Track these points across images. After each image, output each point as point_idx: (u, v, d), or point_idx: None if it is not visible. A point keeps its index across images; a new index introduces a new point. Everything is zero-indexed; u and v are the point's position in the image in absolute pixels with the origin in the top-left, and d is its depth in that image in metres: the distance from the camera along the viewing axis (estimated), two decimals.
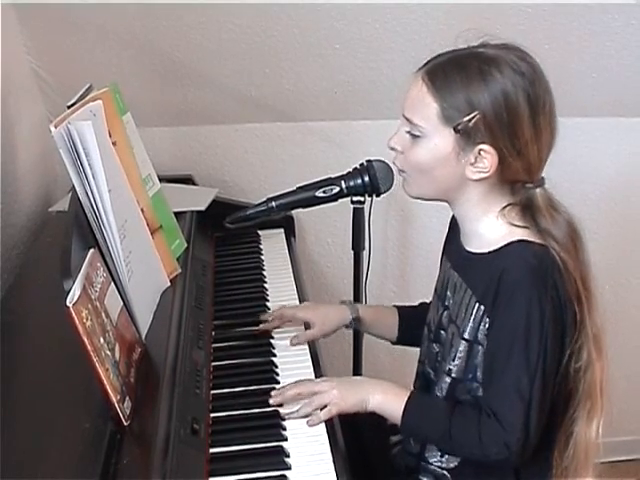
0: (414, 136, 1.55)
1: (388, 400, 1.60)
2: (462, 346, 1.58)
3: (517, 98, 1.47)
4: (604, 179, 2.76)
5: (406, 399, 1.58)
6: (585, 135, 2.70)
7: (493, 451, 1.50)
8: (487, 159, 1.50)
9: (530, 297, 1.47)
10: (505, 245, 1.53)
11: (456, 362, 1.60)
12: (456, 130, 1.50)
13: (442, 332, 1.67)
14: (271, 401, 1.61)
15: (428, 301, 1.81)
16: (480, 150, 1.50)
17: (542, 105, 1.50)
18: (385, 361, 2.74)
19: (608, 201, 2.78)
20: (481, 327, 1.55)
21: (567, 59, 2.46)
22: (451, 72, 1.51)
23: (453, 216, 1.70)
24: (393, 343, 1.96)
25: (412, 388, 1.78)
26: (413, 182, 1.61)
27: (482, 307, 1.54)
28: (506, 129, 1.48)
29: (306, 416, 1.58)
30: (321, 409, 1.58)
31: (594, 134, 2.72)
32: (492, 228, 1.57)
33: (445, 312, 1.67)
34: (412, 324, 1.84)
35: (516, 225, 1.54)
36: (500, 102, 1.47)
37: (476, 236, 1.61)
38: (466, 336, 1.57)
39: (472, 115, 1.48)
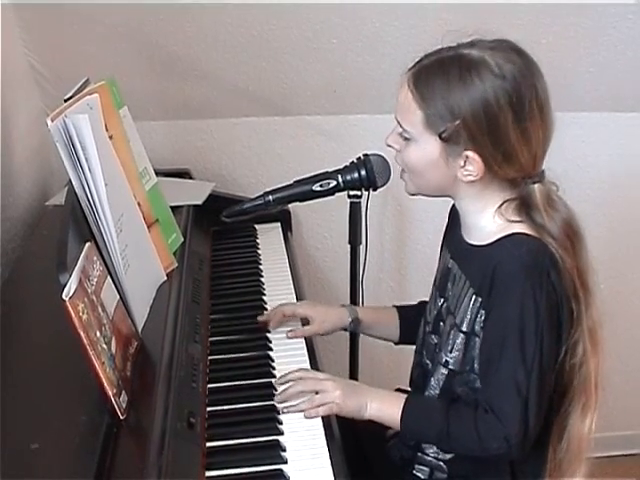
0: (405, 138, 1.57)
1: (385, 407, 1.60)
2: (459, 338, 1.59)
3: (498, 104, 1.47)
4: (601, 174, 2.76)
5: (402, 405, 1.58)
6: (582, 130, 2.70)
7: (493, 446, 1.51)
8: (473, 166, 1.51)
9: (524, 290, 1.47)
10: (501, 238, 1.53)
11: (453, 354, 1.61)
12: (441, 137, 1.51)
13: (441, 323, 1.67)
14: (276, 399, 1.61)
15: (427, 299, 1.80)
16: (466, 156, 1.51)
17: (528, 106, 1.48)
18: (382, 354, 2.74)
19: (605, 196, 2.78)
20: (478, 319, 1.55)
21: (564, 54, 2.46)
22: (433, 79, 1.51)
23: (453, 206, 1.70)
24: (395, 343, 1.96)
25: (408, 380, 1.79)
26: (411, 181, 1.63)
27: (479, 299, 1.54)
28: (488, 136, 1.48)
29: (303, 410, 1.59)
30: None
31: (591, 129, 2.71)
32: (491, 222, 1.57)
33: (445, 303, 1.67)
34: (413, 323, 1.84)
35: (514, 221, 1.54)
36: (479, 109, 1.47)
37: (476, 229, 1.61)
38: (464, 328, 1.58)
39: (455, 123, 1.48)
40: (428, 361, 1.71)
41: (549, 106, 1.52)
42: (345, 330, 1.94)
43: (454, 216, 1.72)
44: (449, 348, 1.61)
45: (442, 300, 1.69)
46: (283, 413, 1.58)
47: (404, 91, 1.55)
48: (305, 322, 1.89)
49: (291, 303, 1.95)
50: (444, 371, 1.63)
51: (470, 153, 1.50)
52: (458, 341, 1.59)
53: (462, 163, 1.52)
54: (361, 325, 1.92)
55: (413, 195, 1.67)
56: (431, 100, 1.51)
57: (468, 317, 1.57)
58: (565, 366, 1.55)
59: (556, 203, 1.55)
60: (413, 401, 1.61)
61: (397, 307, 1.95)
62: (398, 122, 1.58)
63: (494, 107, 1.47)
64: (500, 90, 1.47)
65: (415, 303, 1.93)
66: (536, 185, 1.54)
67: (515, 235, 1.52)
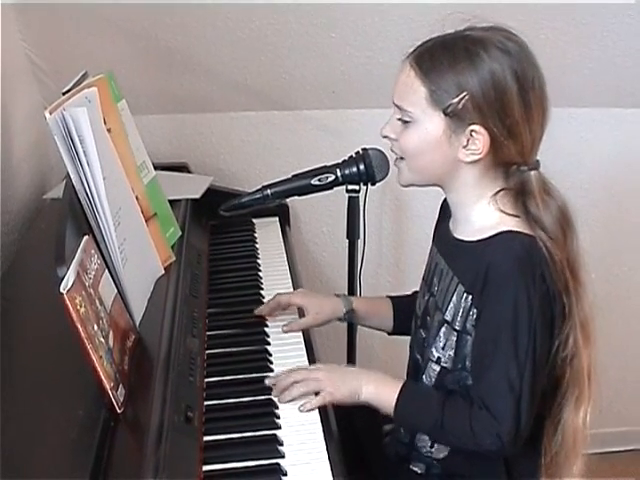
0: (405, 122, 1.56)
1: (380, 391, 1.60)
2: (453, 336, 1.58)
3: (505, 76, 1.48)
4: (599, 170, 2.76)
5: (399, 390, 1.58)
6: (581, 126, 2.71)
7: (486, 442, 1.51)
8: (479, 140, 1.51)
9: (518, 289, 1.47)
10: (494, 235, 1.53)
11: (446, 351, 1.60)
12: (446, 112, 1.50)
13: (428, 318, 1.67)
14: (273, 394, 1.61)
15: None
16: (471, 131, 1.50)
17: (531, 82, 1.50)
18: (378, 349, 2.74)
19: (603, 192, 2.78)
20: (469, 317, 1.55)
21: (564, 50, 2.46)
22: (438, 55, 1.52)
23: (444, 201, 1.70)
24: (389, 334, 1.96)
25: (405, 375, 1.79)
26: (408, 169, 1.62)
27: (470, 297, 1.54)
28: (495, 108, 1.48)
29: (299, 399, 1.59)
30: (315, 394, 1.59)
31: (590, 125, 2.72)
32: (483, 215, 1.57)
33: (431, 299, 1.67)
34: (406, 313, 1.84)
35: (507, 213, 1.54)
36: (488, 81, 1.48)
37: (467, 223, 1.60)
38: (456, 326, 1.57)
39: (460, 96, 1.48)
40: (418, 356, 1.71)
41: (546, 88, 1.54)
42: (340, 320, 1.94)
43: (444, 211, 1.71)
44: (441, 345, 1.61)
45: (429, 295, 1.69)
46: (280, 402, 1.58)
47: (405, 72, 1.55)
48: (301, 313, 1.89)
49: (286, 293, 1.95)
50: (436, 368, 1.63)
51: (476, 127, 1.49)
52: (451, 338, 1.59)
53: (465, 141, 1.51)
54: (356, 315, 1.92)
55: (406, 186, 1.66)
56: (436, 76, 1.50)
57: (459, 315, 1.56)
58: (557, 359, 1.55)
59: (551, 189, 1.55)
60: (410, 387, 1.61)
61: (391, 297, 1.95)
62: (397, 106, 1.57)
63: (501, 80, 1.48)
64: (506, 63, 1.48)
65: (409, 293, 1.93)
66: (532, 172, 1.54)
67: (507, 233, 1.52)
